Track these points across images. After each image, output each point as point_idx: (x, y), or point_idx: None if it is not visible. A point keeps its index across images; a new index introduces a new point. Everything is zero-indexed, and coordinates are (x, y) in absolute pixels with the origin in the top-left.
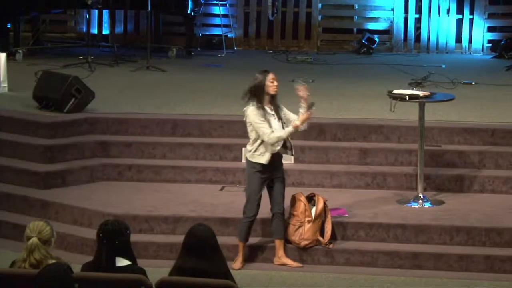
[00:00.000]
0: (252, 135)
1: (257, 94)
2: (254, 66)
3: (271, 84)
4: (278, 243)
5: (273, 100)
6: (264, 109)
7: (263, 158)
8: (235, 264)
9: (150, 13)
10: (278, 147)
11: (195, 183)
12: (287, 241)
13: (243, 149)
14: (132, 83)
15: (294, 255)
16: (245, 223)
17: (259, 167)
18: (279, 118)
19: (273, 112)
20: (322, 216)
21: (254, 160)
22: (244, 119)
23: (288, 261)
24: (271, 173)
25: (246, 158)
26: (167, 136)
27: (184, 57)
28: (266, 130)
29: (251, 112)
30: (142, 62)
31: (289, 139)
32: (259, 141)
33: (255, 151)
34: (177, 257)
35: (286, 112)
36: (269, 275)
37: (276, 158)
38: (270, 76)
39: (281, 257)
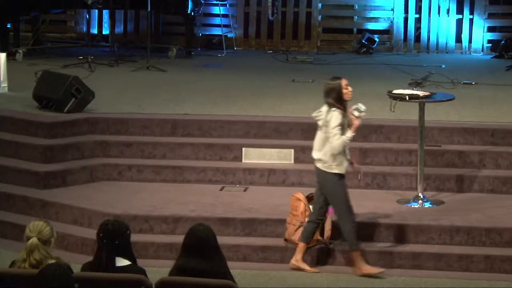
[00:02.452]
0: (328, 144)
1: (339, 101)
2: (254, 66)
3: (347, 90)
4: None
5: (345, 107)
6: (346, 117)
7: (342, 168)
8: (373, 269)
9: (150, 13)
10: (348, 156)
11: (195, 183)
12: (286, 241)
13: (244, 149)
14: (132, 83)
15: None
16: (353, 229)
17: (341, 176)
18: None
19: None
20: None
21: (335, 171)
22: (320, 124)
23: (305, 266)
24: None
25: (321, 170)
26: (167, 136)
27: (184, 57)
28: (338, 136)
29: (336, 118)
30: (142, 62)
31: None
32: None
33: (333, 161)
34: (177, 257)
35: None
36: (269, 275)
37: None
38: (344, 82)
39: (298, 260)
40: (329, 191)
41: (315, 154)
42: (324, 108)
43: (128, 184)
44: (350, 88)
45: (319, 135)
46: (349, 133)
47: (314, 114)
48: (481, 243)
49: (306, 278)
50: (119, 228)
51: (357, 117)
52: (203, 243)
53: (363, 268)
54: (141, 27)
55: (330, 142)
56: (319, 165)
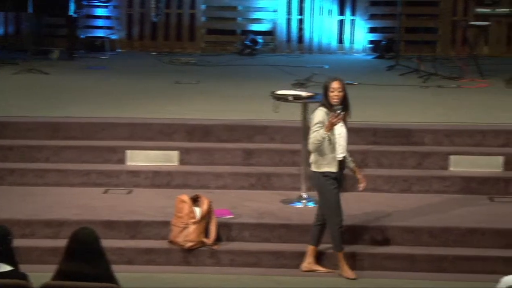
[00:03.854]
0: None
1: (326, 100)
2: (138, 68)
3: (332, 94)
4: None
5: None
6: (326, 114)
7: (332, 166)
8: (350, 273)
9: (31, 15)
10: (341, 155)
11: (79, 187)
12: (171, 242)
13: (128, 151)
14: (13, 86)
15: (180, 257)
16: (338, 232)
17: (332, 175)
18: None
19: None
20: (207, 217)
21: (323, 170)
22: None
23: (318, 268)
24: (339, 180)
25: (311, 170)
26: (50, 139)
27: (67, 59)
28: (315, 133)
29: (317, 116)
30: (24, 65)
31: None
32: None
33: (322, 160)
34: (60, 261)
35: None
36: (154, 277)
37: (343, 166)
38: (334, 84)
39: (310, 263)
40: (318, 190)
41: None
42: None
43: (10, 188)
44: (336, 93)
45: None
46: (322, 131)
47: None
48: (365, 241)
49: (191, 279)
50: (0, 233)
51: (336, 116)
52: (86, 247)
53: (343, 270)
54: (22, 29)
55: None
56: (311, 167)
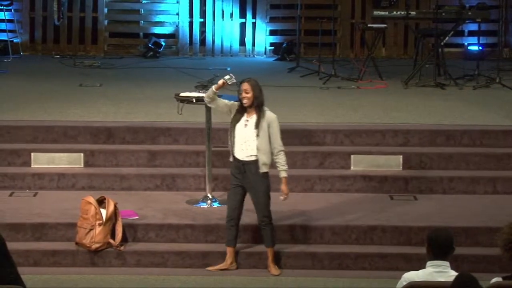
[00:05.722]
0: None
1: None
2: (41, 71)
3: (241, 96)
4: (268, 251)
5: (257, 111)
6: (237, 110)
7: (231, 156)
8: (227, 265)
9: None
10: (242, 156)
11: None
12: (77, 244)
13: (32, 154)
14: None
15: (86, 258)
16: (226, 227)
17: (232, 170)
18: (256, 128)
19: (248, 119)
20: (113, 218)
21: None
22: None
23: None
24: (241, 180)
25: None
26: None
27: None
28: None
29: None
30: None
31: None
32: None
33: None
34: None
35: (273, 133)
36: (60, 279)
37: (244, 167)
38: (243, 86)
39: (269, 264)
40: None
41: None
42: None
43: None
44: (244, 94)
45: None
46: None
47: None
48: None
49: (97, 280)
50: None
51: (225, 80)
52: None
53: (226, 263)
54: None
55: None
56: None
